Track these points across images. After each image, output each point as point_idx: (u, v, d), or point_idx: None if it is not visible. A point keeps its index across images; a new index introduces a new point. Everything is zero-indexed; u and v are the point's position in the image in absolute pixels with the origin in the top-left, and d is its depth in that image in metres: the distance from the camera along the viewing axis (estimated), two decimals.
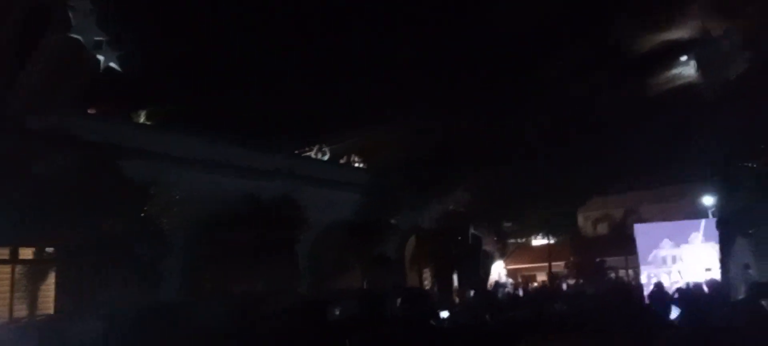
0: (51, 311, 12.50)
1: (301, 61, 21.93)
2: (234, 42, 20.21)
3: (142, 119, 16.68)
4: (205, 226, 15.26)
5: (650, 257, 21.04)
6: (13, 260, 12.35)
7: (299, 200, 17.23)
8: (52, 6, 13.71)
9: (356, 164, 23.90)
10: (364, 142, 23.28)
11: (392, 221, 20.99)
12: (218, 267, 15.22)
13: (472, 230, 24.97)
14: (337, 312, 13.32)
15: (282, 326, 12.23)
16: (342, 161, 23.48)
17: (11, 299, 12.24)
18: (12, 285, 12.26)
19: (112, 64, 14.88)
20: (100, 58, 14.52)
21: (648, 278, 19.99)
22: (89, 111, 15.29)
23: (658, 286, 14.52)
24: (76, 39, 14.09)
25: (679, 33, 21.48)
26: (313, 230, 17.80)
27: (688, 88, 22.05)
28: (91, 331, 11.04)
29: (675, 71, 22.64)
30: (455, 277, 23.64)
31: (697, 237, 20.61)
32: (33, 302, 12.57)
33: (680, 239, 20.88)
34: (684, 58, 22.23)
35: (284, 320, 12.70)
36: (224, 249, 15.48)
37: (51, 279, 12.81)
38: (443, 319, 12.20)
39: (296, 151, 21.77)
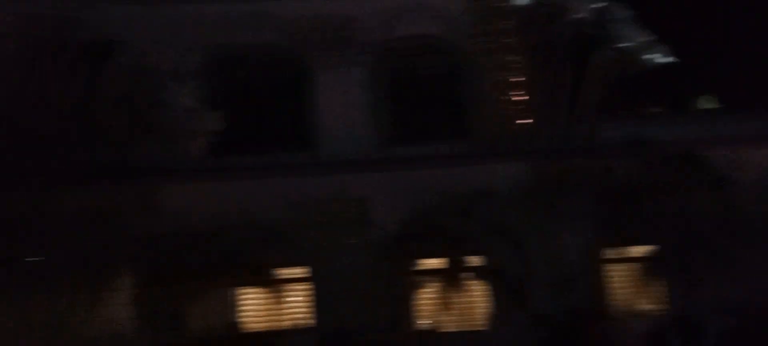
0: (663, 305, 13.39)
1: None
2: None
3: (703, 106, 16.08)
4: None
5: None
6: (624, 259, 13.85)
7: None
8: (595, 25, 14.50)
9: None
10: None
11: None
12: None
13: None
14: None
15: None
16: None
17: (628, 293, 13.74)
18: (631, 280, 13.77)
19: (661, 60, 14.84)
20: (649, 57, 14.68)
21: None
22: (654, 110, 15.78)
23: None
24: (621, 47, 14.60)
25: None
26: None
27: None
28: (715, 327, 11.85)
29: None
30: None
31: None
32: (652, 295, 13.61)
33: None
34: None
35: None
36: None
37: (660, 276, 13.58)
38: None
39: None
